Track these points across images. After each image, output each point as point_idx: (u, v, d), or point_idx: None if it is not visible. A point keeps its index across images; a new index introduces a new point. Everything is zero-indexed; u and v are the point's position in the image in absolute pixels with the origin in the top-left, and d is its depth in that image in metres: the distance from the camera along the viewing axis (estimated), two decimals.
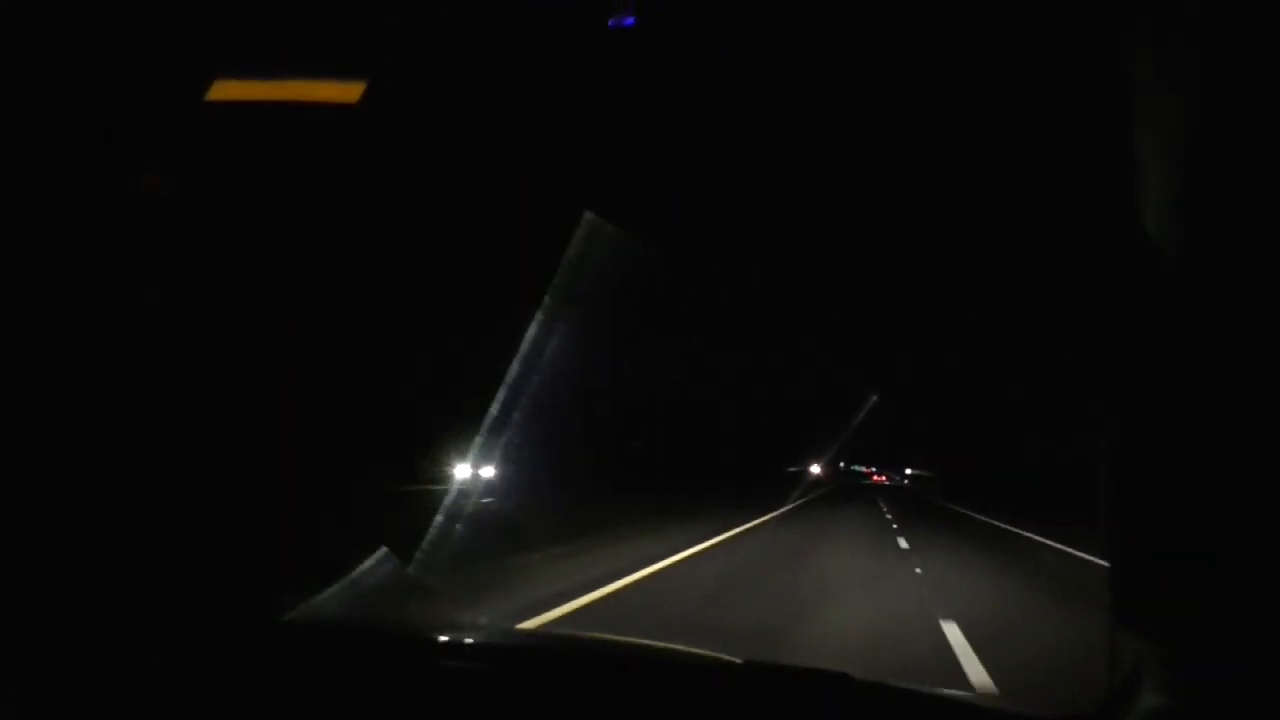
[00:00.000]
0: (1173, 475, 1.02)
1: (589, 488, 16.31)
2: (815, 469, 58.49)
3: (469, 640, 1.76)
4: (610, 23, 4.23)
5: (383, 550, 5.65)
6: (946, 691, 1.60)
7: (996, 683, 4.43)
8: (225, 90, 4.19)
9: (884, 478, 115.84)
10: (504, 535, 9.13)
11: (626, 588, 7.16)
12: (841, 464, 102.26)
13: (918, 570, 9.70)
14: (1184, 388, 1.00)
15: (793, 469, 55.52)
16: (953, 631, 5.52)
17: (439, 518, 8.59)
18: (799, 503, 27.16)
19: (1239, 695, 0.99)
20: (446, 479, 12.88)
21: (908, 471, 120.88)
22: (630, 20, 4.23)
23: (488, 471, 13.03)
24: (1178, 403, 1.01)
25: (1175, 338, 1.01)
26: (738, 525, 15.29)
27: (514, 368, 12.96)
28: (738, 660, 1.55)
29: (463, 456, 12.68)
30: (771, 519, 18.88)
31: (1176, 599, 1.02)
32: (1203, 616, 1.00)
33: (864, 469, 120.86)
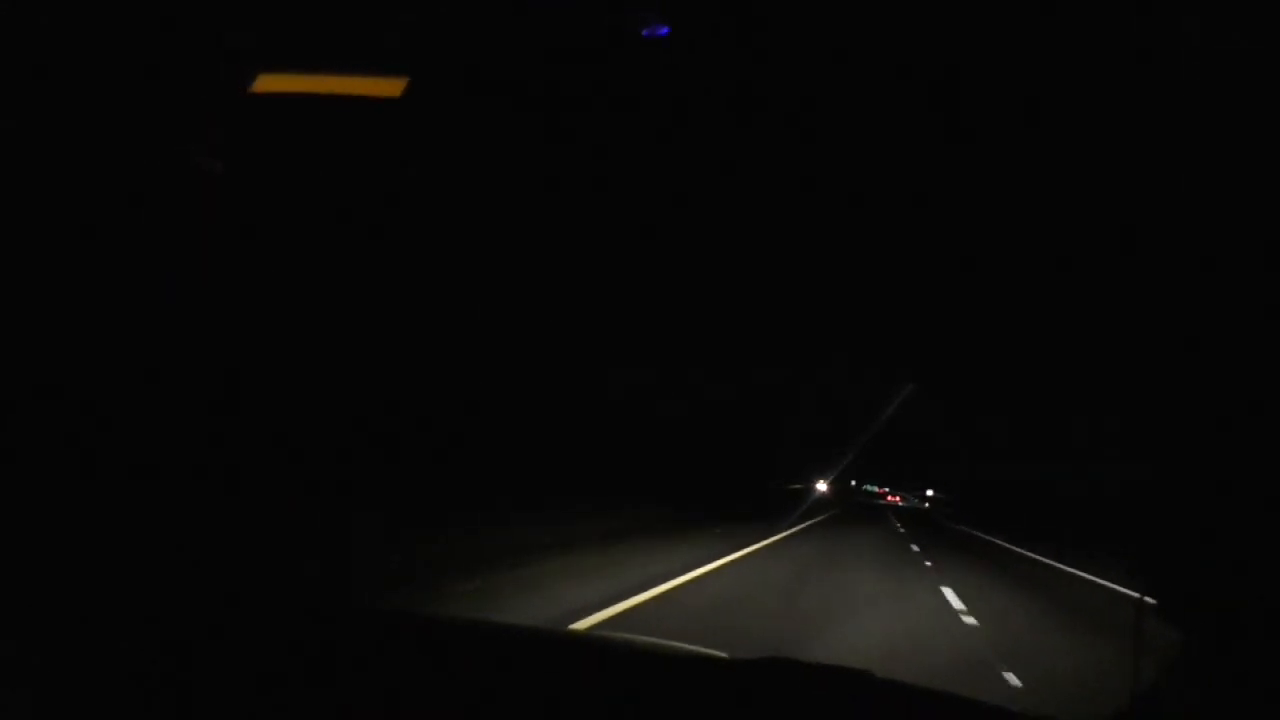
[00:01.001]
0: (1206, 481, 1.08)
1: None
2: (821, 486, 54.93)
3: (514, 638, 1.83)
4: (644, 32, 4.35)
5: None
6: (968, 695, 1.57)
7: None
8: (271, 83, 4.34)
9: (897, 498, 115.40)
10: None
11: None
12: (853, 482, 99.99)
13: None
14: (1218, 396, 1.07)
15: (796, 485, 53.33)
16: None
17: None
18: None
19: (1267, 697, 1.05)
20: None
21: (929, 493, 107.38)
22: (664, 30, 4.34)
23: None
24: (1215, 409, 1.08)
25: (1211, 355, 1.08)
26: None
27: None
28: (762, 658, 1.56)
29: None
30: None
31: (1206, 599, 1.08)
32: (1231, 618, 1.06)
33: (876, 488, 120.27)
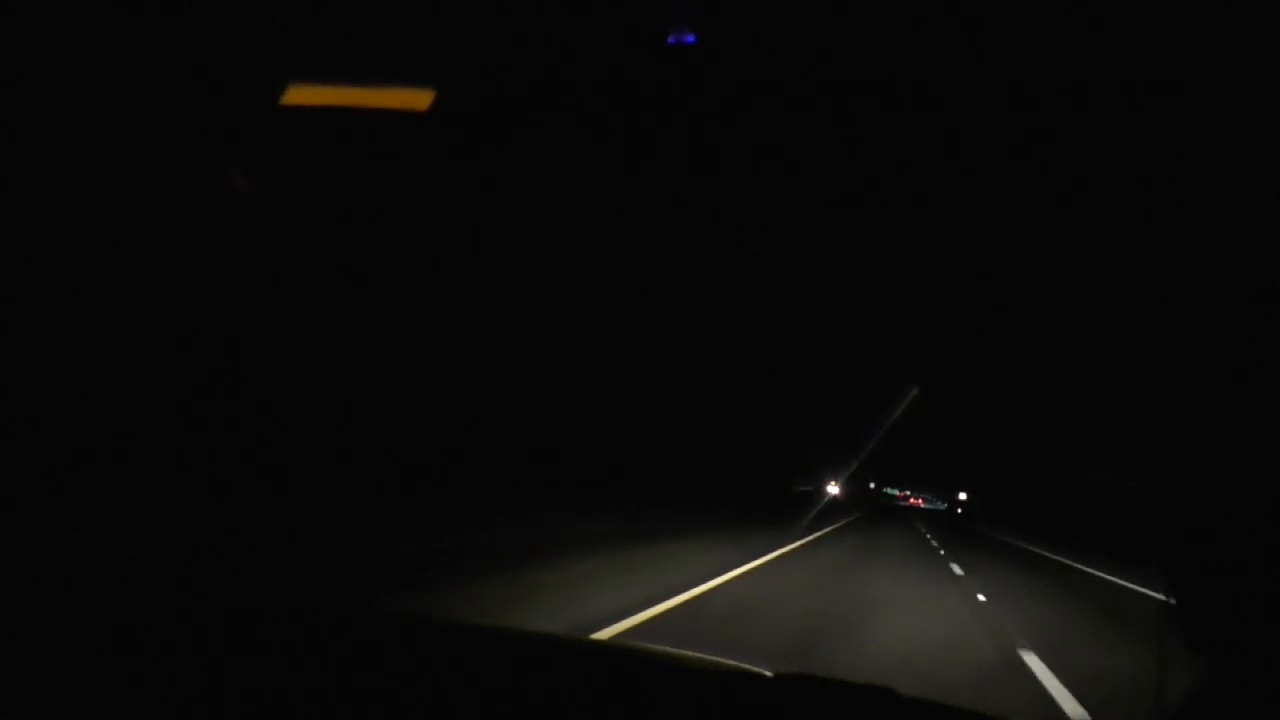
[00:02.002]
0: (1237, 500, 1.05)
1: None
2: (833, 489, 47.99)
3: (533, 645, 1.81)
4: (671, 39, 4.35)
5: None
6: (993, 713, 1.56)
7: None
8: (301, 95, 4.38)
9: (919, 500, 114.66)
10: None
11: None
12: (872, 484, 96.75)
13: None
14: (1247, 412, 1.05)
15: (805, 488, 47.88)
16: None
17: None
18: None
19: None
20: None
21: (961, 497, 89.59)
22: (691, 38, 4.34)
23: None
24: (1242, 424, 1.05)
25: (1239, 366, 1.05)
26: None
27: None
28: (784, 673, 1.55)
29: None
30: None
31: (1236, 623, 1.06)
32: (1261, 643, 1.03)
33: (898, 492, 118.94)
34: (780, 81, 5.52)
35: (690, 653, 1.87)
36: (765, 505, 26.15)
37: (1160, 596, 1.34)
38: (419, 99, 3.93)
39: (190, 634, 1.45)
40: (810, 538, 18.63)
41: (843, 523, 27.55)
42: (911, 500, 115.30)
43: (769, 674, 1.56)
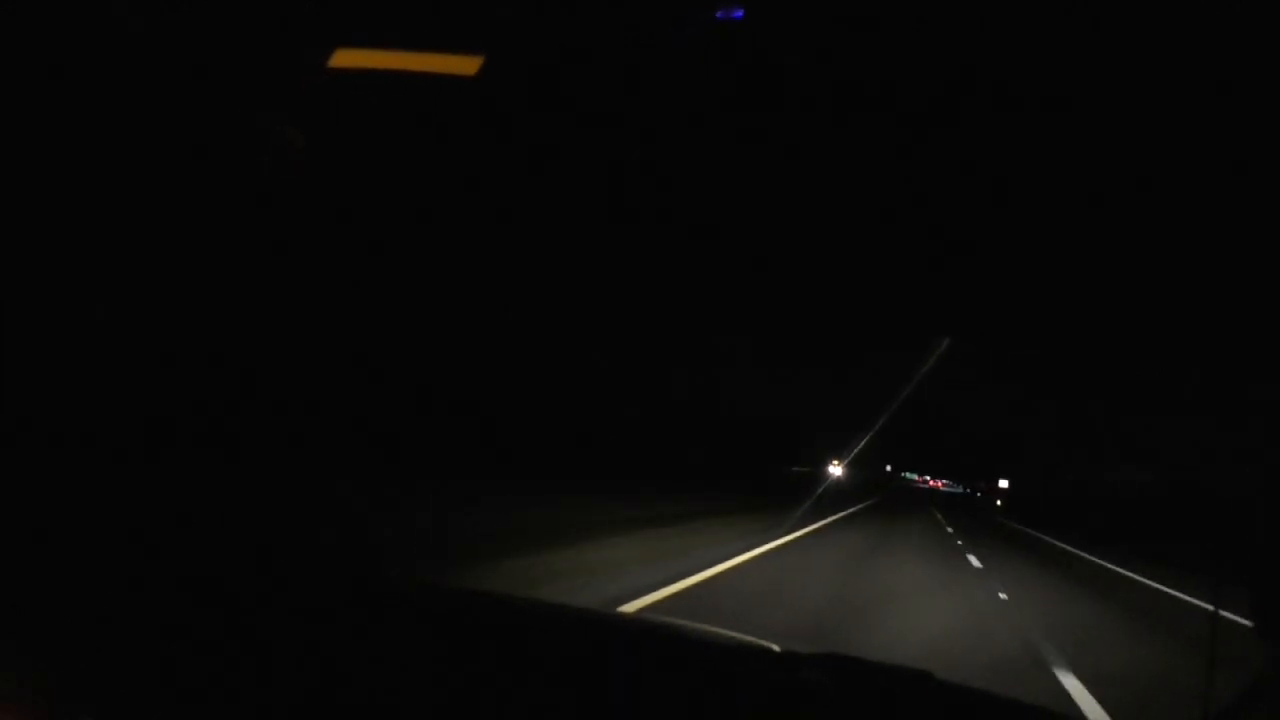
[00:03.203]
0: None
1: None
2: (836, 470, 41.83)
3: (563, 620, 1.85)
4: (719, 14, 4.34)
5: None
6: (1030, 701, 1.55)
7: None
8: (348, 58, 4.40)
9: (939, 483, 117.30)
10: None
11: None
12: (888, 468, 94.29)
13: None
14: None
15: (800, 468, 43.40)
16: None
17: None
18: None
19: None
20: None
21: (1003, 484, 75.86)
22: (739, 13, 4.33)
23: None
24: None
25: None
26: None
27: None
28: (820, 653, 1.55)
29: None
30: None
31: None
32: None
33: (916, 476, 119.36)
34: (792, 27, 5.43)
35: (721, 630, 1.87)
36: (752, 492, 23.17)
37: (1209, 606, 1.34)
38: (467, 64, 3.95)
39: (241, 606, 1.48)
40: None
41: (838, 516, 22.63)
42: (931, 483, 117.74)
43: (804, 654, 1.57)
